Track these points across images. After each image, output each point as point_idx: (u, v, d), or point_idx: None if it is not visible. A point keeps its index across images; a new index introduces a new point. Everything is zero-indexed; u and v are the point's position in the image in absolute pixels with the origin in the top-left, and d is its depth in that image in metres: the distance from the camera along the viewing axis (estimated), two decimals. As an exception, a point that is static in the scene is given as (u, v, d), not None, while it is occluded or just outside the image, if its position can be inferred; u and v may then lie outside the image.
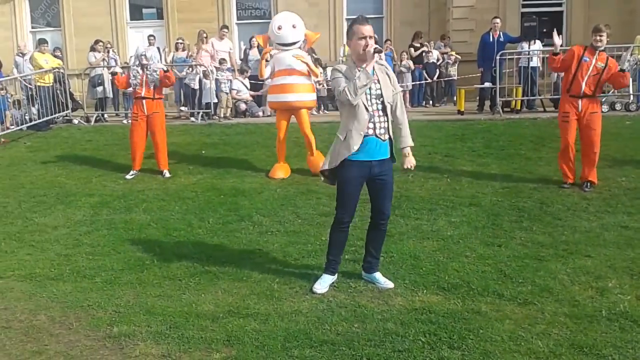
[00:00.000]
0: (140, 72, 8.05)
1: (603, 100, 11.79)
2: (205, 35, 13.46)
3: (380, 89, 4.13)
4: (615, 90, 11.93)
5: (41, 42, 13.16)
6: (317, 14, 16.35)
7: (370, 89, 4.09)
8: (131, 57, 8.21)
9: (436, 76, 14.28)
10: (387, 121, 4.17)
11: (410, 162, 4.40)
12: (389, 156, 4.26)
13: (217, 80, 12.91)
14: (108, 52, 13.72)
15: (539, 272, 4.50)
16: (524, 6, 15.79)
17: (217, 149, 9.65)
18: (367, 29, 4.11)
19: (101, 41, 13.84)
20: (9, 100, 12.92)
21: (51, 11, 18.52)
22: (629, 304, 3.91)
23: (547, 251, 4.94)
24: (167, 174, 8.10)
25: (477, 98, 12.90)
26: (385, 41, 14.89)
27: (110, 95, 13.67)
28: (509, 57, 12.24)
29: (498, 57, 11.82)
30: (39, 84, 12.41)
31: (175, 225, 5.98)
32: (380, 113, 4.14)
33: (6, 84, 13.10)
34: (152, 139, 8.19)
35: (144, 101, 8.07)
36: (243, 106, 13.13)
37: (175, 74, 13.64)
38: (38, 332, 3.89)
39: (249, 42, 14.44)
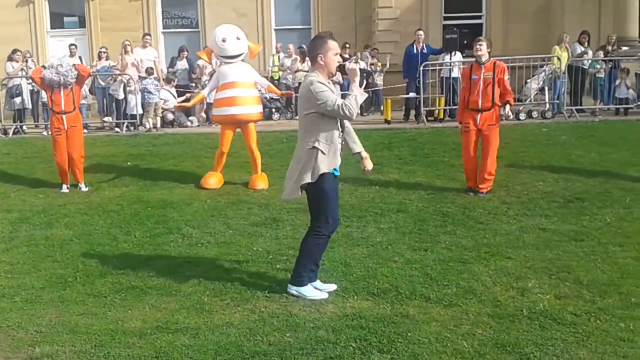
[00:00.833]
0: (56, 78, 7.60)
1: (520, 108, 12.40)
2: (129, 44, 13.15)
3: None
4: (532, 99, 12.58)
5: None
6: (245, 24, 16.24)
7: None
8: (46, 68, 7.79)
9: (363, 86, 14.52)
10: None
11: (371, 163, 4.56)
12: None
13: (142, 89, 12.63)
14: (27, 61, 13.16)
15: (462, 275, 4.65)
16: (445, 18, 16.38)
17: (143, 160, 9.42)
18: (338, 45, 4.29)
19: (19, 50, 13.25)
20: None
21: (-35, 19, 17.57)
22: (548, 303, 4.10)
23: (470, 254, 5.12)
24: (84, 188, 7.83)
25: (403, 107, 13.26)
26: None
27: (29, 106, 13.09)
28: (432, 68, 12.64)
29: (422, 68, 12.20)
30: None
31: (100, 240, 5.79)
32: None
33: None
34: (68, 151, 7.86)
35: (64, 116, 7.76)
36: (170, 116, 12.91)
37: (98, 83, 13.29)
38: (-49, 357, 3.67)
39: (177, 52, 14.25)
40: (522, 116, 12.30)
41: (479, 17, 16.69)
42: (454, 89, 12.61)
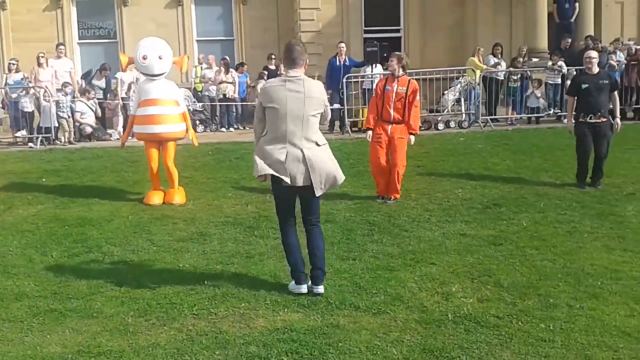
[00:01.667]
0: None
1: (439, 119, 12.84)
2: (43, 56, 12.59)
3: None
4: (449, 109, 13.06)
5: None
6: (165, 35, 15.89)
7: None
8: None
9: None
10: None
11: None
12: None
13: (57, 102, 12.11)
14: None
15: (390, 282, 4.73)
16: (365, 32, 16.77)
17: (59, 176, 9.01)
18: None
19: None
20: None
21: None
22: (472, 307, 4.24)
23: (397, 261, 5.22)
24: None
25: (328, 118, 13.39)
26: (240, 64, 14.99)
27: None
28: (355, 80, 12.89)
29: (344, 80, 12.41)
30: None
31: (14, 262, 5.46)
32: None
33: None
34: None
35: None
36: (89, 129, 12.43)
37: (10, 97, 12.62)
38: None
39: (99, 69, 13.79)
40: (441, 126, 12.74)
41: (398, 31, 17.19)
42: (377, 101, 12.85)
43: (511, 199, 7.20)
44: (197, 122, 13.77)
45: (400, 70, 7.24)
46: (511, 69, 13.53)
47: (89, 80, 13.92)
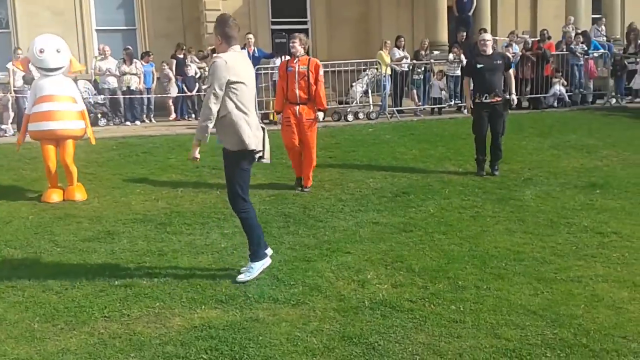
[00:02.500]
0: None
1: (348, 110, 13.06)
2: None
3: None
4: (357, 101, 13.31)
5: None
6: (62, 23, 15.15)
7: None
8: None
9: (196, 90, 14.29)
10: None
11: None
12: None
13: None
14: None
15: (307, 273, 4.77)
16: (273, 23, 16.69)
17: (-52, 177, 8.33)
18: None
19: None
20: None
21: None
22: (387, 292, 4.36)
23: (313, 252, 5.27)
24: None
25: (237, 111, 13.23)
26: (145, 54, 14.47)
27: None
28: (265, 72, 12.81)
29: (255, 71, 12.29)
30: None
31: None
32: None
33: None
34: None
35: None
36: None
37: None
38: None
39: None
40: (350, 117, 12.96)
41: (305, 23, 17.24)
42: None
43: (418, 187, 7.46)
44: (99, 115, 13.18)
45: (302, 51, 7.43)
46: (415, 61, 13.97)
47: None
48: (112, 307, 4.22)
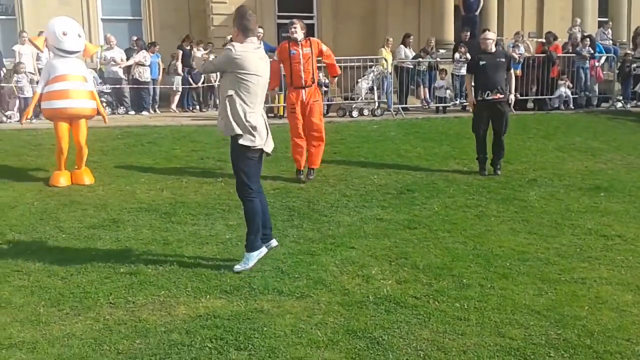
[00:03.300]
0: None
1: (353, 106, 13.05)
2: None
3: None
4: (363, 97, 13.31)
5: None
6: (69, 13, 15.01)
7: None
8: None
9: (201, 82, 14.28)
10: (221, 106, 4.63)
11: None
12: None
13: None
14: None
15: (312, 266, 4.78)
16: (279, 17, 16.67)
17: (-47, 161, 8.34)
18: None
19: None
20: None
21: None
22: (391, 288, 4.38)
23: (317, 246, 5.28)
24: None
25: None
26: (152, 44, 14.44)
27: None
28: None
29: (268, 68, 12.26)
30: None
31: None
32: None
33: None
34: None
35: None
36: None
37: None
38: None
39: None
40: (355, 114, 12.96)
41: (311, 18, 17.21)
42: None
43: (423, 184, 7.46)
44: (104, 104, 13.15)
45: (302, 35, 7.47)
46: (420, 59, 13.96)
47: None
48: (117, 294, 4.24)
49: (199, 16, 16.58)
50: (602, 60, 15.01)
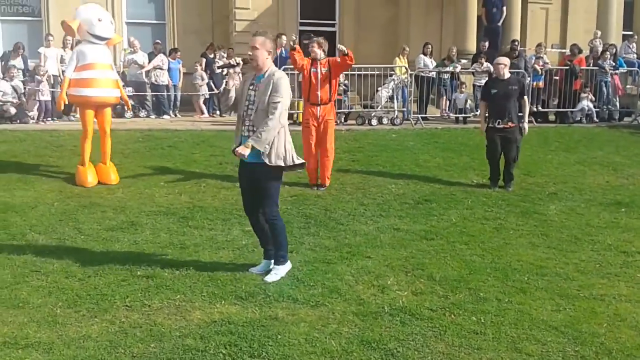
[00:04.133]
0: None
1: (372, 114, 13.03)
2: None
3: (255, 96, 4.46)
4: (382, 106, 13.28)
5: None
6: (94, 15, 15.32)
7: (249, 95, 4.51)
8: None
9: (222, 87, 14.36)
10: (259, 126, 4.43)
11: (241, 151, 4.47)
12: (259, 160, 4.46)
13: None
14: None
15: (327, 275, 4.77)
16: (301, 24, 16.73)
17: (-23, 160, 8.48)
18: (253, 40, 4.55)
19: None
20: None
21: None
22: (407, 299, 4.35)
23: (333, 254, 5.28)
24: None
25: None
26: (174, 50, 14.58)
27: None
28: (292, 72, 12.81)
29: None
30: None
31: None
32: (252, 118, 4.47)
33: None
34: None
35: None
36: (13, 110, 11.71)
37: None
38: None
39: (13, 48, 13.00)
40: (374, 122, 12.93)
41: (333, 25, 17.26)
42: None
43: (441, 195, 7.42)
44: (126, 107, 13.28)
45: (322, 54, 7.63)
46: (440, 69, 13.90)
47: (4, 60, 13.11)
48: (133, 297, 4.26)
49: (221, 21, 16.70)
50: (621, 73, 14.81)
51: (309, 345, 3.67)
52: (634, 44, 16.38)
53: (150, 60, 13.89)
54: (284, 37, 13.28)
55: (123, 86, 12.99)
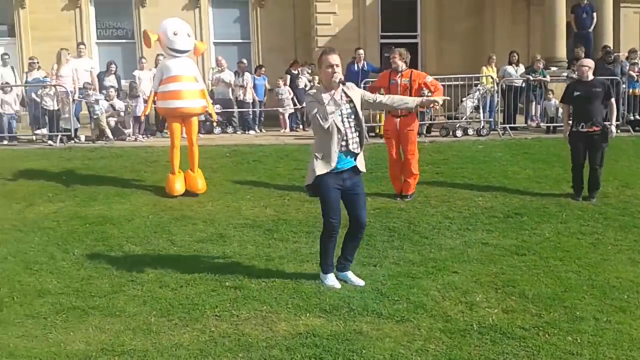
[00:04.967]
0: None
1: (457, 125, 12.78)
2: (68, 53, 12.66)
3: (354, 107, 4.64)
4: (467, 116, 13.00)
5: None
6: (184, 36, 16.05)
7: (341, 110, 4.56)
8: None
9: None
10: (360, 135, 4.69)
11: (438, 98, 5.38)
12: (358, 167, 4.72)
13: (81, 101, 12.21)
14: None
15: (412, 290, 4.69)
16: (382, 37, 16.74)
17: (79, 174, 9.04)
18: (334, 58, 4.58)
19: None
20: None
21: None
22: (497, 317, 4.20)
23: (418, 269, 5.18)
24: None
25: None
26: (259, 67, 15.00)
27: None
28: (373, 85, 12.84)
29: (362, 85, 12.36)
30: None
31: (36, 258, 5.49)
32: (353, 129, 4.64)
33: None
34: None
35: None
36: (112, 123, 12.47)
37: (29, 95, 12.70)
38: None
39: (106, 66, 13.83)
40: (459, 133, 12.67)
41: (415, 37, 17.14)
42: (394, 106, 12.85)
43: (533, 208, 7.13)
44: (215, 124, 13.76)
45: (403, 65, 7.62)
46: (529, 76, 13.44)
47: (101, 80, 13.96)
48: (222, 307, 4.38)
49: (303, 38, 17.02)
50: None
51: (395, 361, 3.61)
52: None
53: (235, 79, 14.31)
54: (361, 51, 13.33)
55: (212, 103, 13.55)
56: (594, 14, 15.17)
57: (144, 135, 12.62)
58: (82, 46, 13.46)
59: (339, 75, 4.55)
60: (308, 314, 4.26)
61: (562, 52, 15.04)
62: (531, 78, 13.31)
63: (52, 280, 4.93)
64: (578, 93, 7.51)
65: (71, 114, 11.97)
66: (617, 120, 7.63)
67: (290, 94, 14.38)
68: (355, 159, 4.71)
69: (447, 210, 7.10)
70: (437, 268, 5.20)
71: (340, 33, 16.32)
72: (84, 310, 4.34)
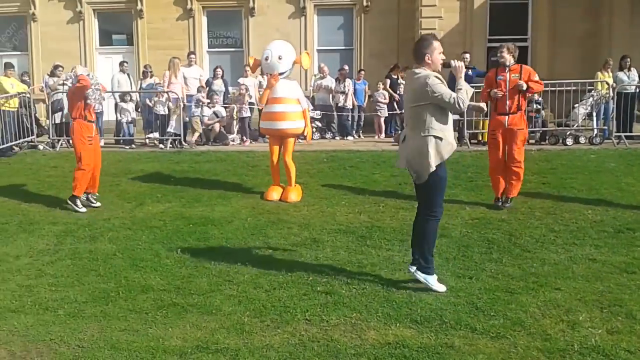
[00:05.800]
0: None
1: (567, 133, 12.12)
2: (179, 62, 13.41)
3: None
4: (579, 124, 12.29)
5: (7, 67, 12.95)
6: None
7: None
8: (66, 77, 8.34)
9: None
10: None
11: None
12: None
13: (189, 106, 12.89)
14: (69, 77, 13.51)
15: (510, 305, 4.49)
16: (489, 41, 16.22)
17: (186, 177, 9.53)
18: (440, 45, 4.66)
19: (61, 66, 13.56)
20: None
21: (18, 35, 18.30)
22: (600, 338, 3.92)
23: (518, 283, 4.95)
24: (93, 198, 7.88)
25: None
26: (360, 71, 15.11)
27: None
28: (477, 90, 12.45)
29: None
30: (3, 108, 12.15)
31: (142, 256, 5.83)
32: None
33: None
34: (96, 161, 7.90)
35: (93, 124, 7.89)
36: (217, 129, 13.05)
37: (143, 100, 13.58)
38: (-5, 368, 3.71)
39: (212, 72, 14.47)
40: (569, 141, 12.02)
41: (525, 40, 16.46)
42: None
43: (647, 224, 6.60)
44: (314, 129, 14.00)
45: (512, 59, 7.33)
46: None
47: (209, 86, 14.62)
48: (313, 312, 4.41)
49: (406, 44, 16.84)
50: None
51: (487, 378, 3.47)
52: None
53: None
54: (467, 55, 13.00)
55: (312, 109, 13.81)
56: None
57: (250, 141, 13.07)
58: (192, 55, 14.19)
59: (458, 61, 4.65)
60: (398, 324, 4.19)
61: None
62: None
63: (155, 277, 5.21)
64: None
65: (181, 121, 12.65)
66: None
67: (385, 98, 14.31)
68: None
69: (552, 223, 6.73)
70: (538, 284, 4.93)
71: (445, 37, 16.01)
72: (183, 307, 4.54)
